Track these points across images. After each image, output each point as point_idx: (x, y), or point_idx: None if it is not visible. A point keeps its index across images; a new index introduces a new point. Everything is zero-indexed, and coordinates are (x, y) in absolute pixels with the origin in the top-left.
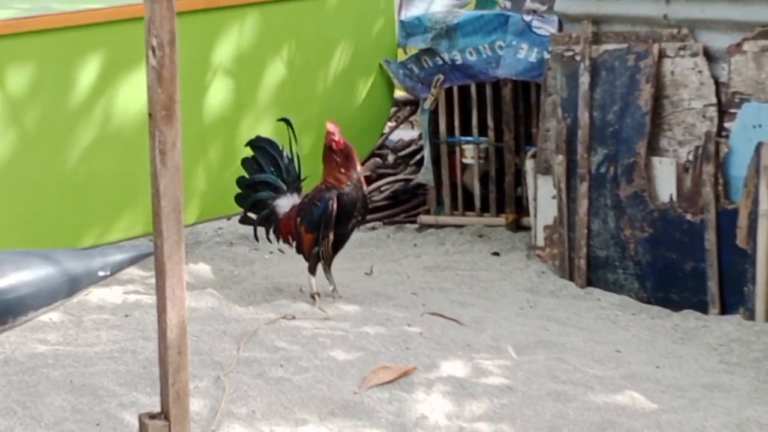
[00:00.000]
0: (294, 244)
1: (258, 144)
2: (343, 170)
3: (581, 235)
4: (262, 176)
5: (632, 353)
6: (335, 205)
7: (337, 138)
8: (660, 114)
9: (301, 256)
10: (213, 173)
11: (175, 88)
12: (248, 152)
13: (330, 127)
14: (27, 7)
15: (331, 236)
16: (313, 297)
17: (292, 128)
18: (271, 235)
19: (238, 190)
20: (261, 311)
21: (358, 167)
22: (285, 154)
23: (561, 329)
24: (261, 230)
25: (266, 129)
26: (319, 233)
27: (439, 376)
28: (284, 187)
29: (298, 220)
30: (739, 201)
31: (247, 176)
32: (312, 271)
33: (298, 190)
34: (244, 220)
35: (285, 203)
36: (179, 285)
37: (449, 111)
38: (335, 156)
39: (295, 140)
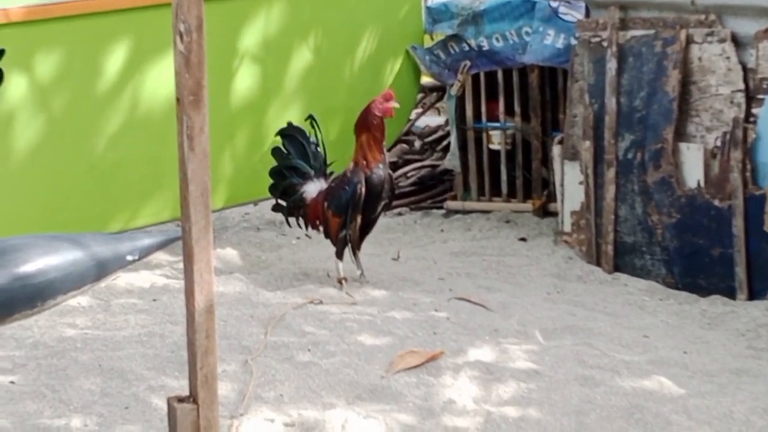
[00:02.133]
0: (322, 228)
1: (286, 132)
2: (376, 145)
3: (608, 220)
4: (290, 162)
5: (660, 338)
6: (363, 189)
7: (392, 106)
8: (687, 100)
9: (328, 241)
10: (240, 158)
11: (203, 74)
12: (276, 139)
13: (389, 92)
14: None
15: (359, 219)
16: (340, 282)
17: (315, 121)
18: (300, 221)
19: (270, 180)
20: (288, 296)
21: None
22: (312, 140)
23: (588, 314)
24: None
25: (293, 115)
26: (347, 217)
27: (466, 361)
28: (312, 172)
29: (326, 204)
30: (766, 187)
31: (276, 164)
32: (339, 255)
33: (326, 176)
34: (276, 208)
35: (313, 188)
36: (207, 269)
37: (476, 97)
38: (375, 128)
39: (320, 129)
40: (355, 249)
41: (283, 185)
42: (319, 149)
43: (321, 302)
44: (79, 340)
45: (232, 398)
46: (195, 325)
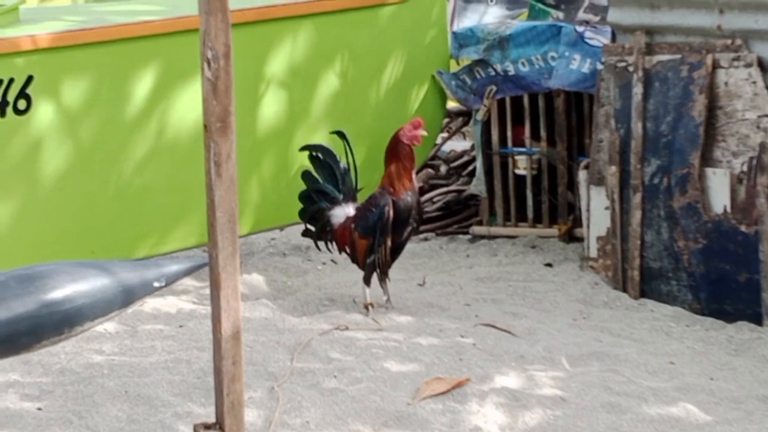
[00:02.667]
0: (349, 252)
1: (316, 154)
2: (405, 174)
3: (634, 246)
4: (318, 186)
5: (686, 365)
6: (391, 212)
7: (420, 134)
8: (714, 125)
9: (354, 266)
10: (266, 184)
11: (230, 100)
12: (304, 162)
13: (418, 120)
14: (83, 20)
15: (389, 242)
16: (366, 307)
17: (347, 140)
18: (330, 245)
19: (300, 205)
20: (314, 322)
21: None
22: (342, 164)
23: (614, 341)
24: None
25: (320, 140)
26: (375, 240)
27: (492, 388)
28: (340, 197)
29: (353, 226)
30: None
31: (305, 188)
32: (367, 281)
33: (354, 200)
34: (306, 233)
35: (341, 213)
36: (234, 295)
37: (502, 122)
38: (405, 157)
39: (351, 151)
40: (383, 275)
41: (312, 210)
42: (348, 173)
43: (347, 328)
44: (105, 366)
45: (258, 425)
46: (222, 352)
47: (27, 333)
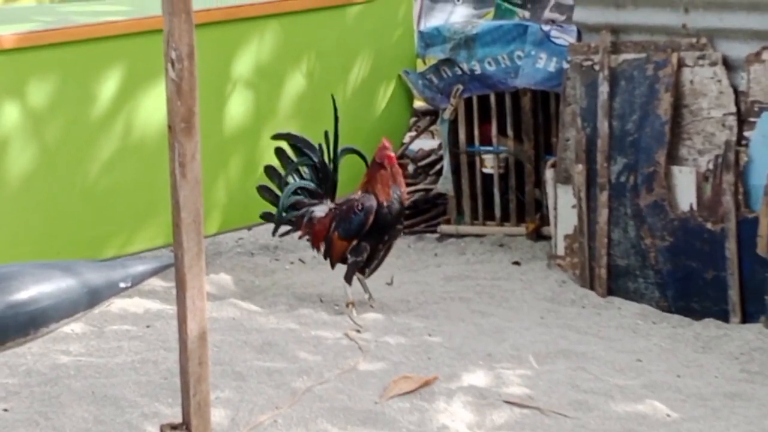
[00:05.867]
0: (323, 249)
1: (295, 144)
2: (387, 187)
3: (601, 244)
4: (305, 182)
5: (653, 362)
6: (372, 218)
7: (391, 154)
8: (679, 123)
9: (322, 266)
10: (234, 184)
11: (195, 101)
12: (271, 161)
13: (385, 142)
14: (48, 20)
15: (368, 247)
16: (347, 305)
17: (334, 138)
18: (298, 237)
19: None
20: (282, 321)
21: (403, 187)
22: (321, 158)
23: (582, 338)
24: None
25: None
26: (359, 243)
27: (460, 386)
28: (321, 191)
29: (333, 225)
30: (759, 210)
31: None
32: (349, 280)
33: (333, 196)
34: (266, 217)
35: (320, 209)
36: (200, 296)
37: (469, 121)
38: (383, 171)
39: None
40: (362, 274)
41: (293, 200)
42: (327, 168)
43: (359, 331)
44: (72, 367)
45: (225, 425)
46: (187, 353)
47: None
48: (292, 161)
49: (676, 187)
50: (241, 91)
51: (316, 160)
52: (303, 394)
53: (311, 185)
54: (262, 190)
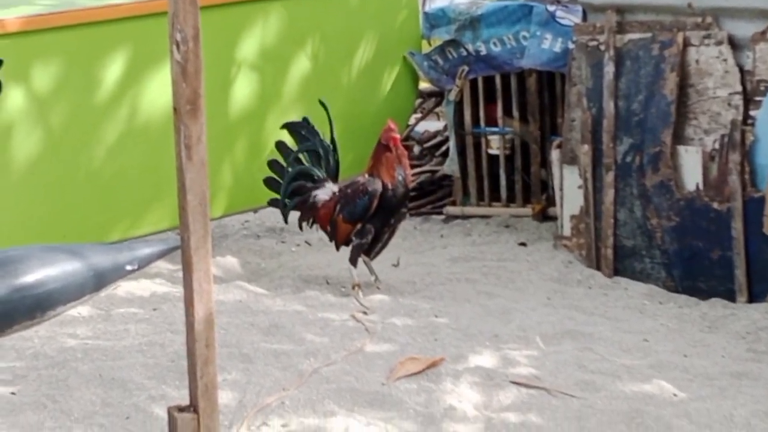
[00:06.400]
0: (329, 232)
1: (297, 129)
2: (392, 169)
3: (608, 224)
4: (303, 168)
5: (660, 342)
6: (377, 202)
7: (396, 136)
8: (685, 103)
9: (328, 248)
10: (239, 166)
11: (200, 83)
12: (276, 139)
13: (390, 124)
14: (52, 3)
15: (373, 230)
16: (354, 287)
17: (327, 112)
18: (305, 223)
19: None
20: (288, 303)
21: (407, 170)
22: (325, 142)
23: (588, 319)
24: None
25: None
26: (363, 226)
27: (467, 367)
28: (324, 175)
29: (338, 208)
30: (765, 189)
31: (284, 164)
32: (354, 262)
33: (336, 179)
34: (274, 203)
35: (324, 192)
36: (206, 278)
37: (474, 102)
38: (388, 153)
39: (332, 125)
40: (370, 256)
41: (294, 186)
42: (331, 151)
43: (365, 313)
44: (79, 350)
45: (232, 407)
46: (194, 335)
47: None
48: (291, 151)
49: (682, 166)
50: (246, 73)
51: (316, 143)
52: (310, 375)
53: (312, 170)
54: (273, 164)
